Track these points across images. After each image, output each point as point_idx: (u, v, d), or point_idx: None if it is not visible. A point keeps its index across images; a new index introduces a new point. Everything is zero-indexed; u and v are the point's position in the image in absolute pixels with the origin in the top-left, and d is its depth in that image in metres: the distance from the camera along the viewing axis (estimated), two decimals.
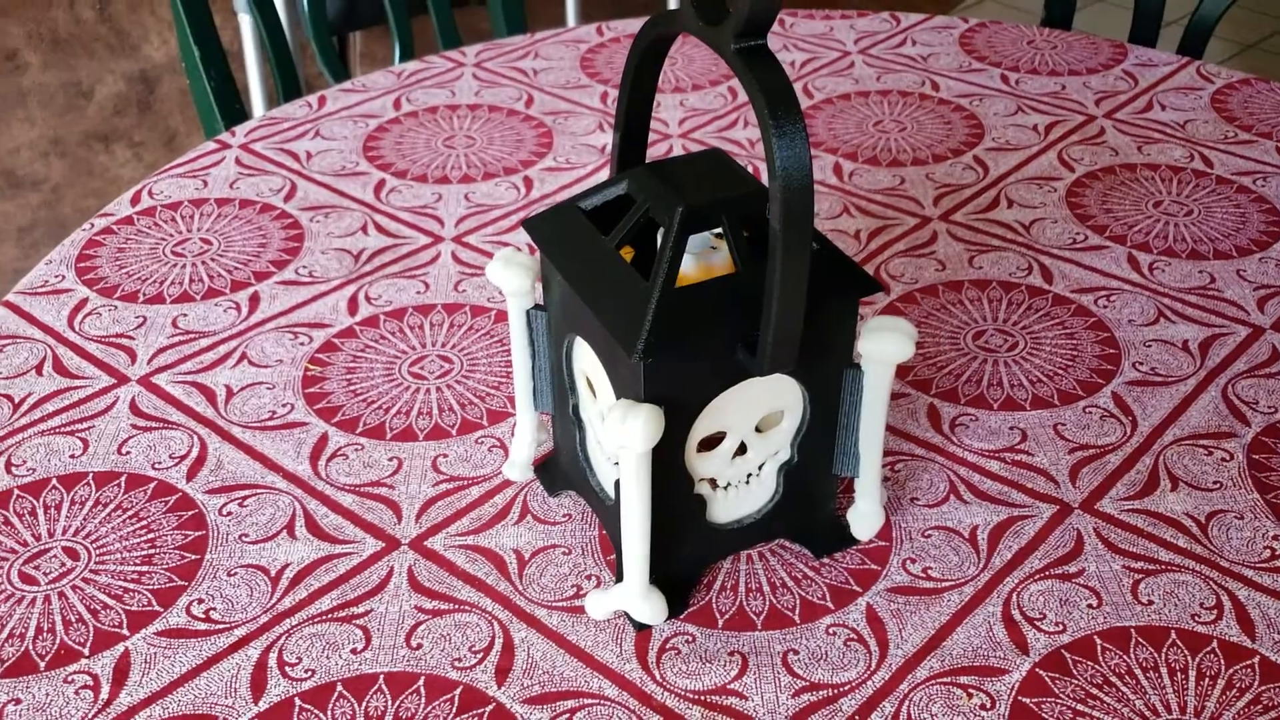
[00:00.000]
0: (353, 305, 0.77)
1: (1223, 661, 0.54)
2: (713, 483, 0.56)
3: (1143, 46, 1.11)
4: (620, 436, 0.48)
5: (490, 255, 0.82)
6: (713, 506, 0.56)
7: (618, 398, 0.52)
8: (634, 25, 1.15)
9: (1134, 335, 0.74)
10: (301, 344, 0.74)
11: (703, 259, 0.52)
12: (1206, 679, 0.53)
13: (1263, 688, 0.53)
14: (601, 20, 1.17)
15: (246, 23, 1.62)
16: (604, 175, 0.91)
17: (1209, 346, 0.73)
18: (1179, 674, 0.53)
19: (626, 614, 0.56)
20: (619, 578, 0.57)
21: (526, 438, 0.62)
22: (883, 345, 0.52)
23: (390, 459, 0.65)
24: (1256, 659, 0.54)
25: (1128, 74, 1.05)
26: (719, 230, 0.53)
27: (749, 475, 0.56)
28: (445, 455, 0.66)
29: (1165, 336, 0.74)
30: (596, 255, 0.52)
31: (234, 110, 1.11)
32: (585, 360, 0.56)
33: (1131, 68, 1.06)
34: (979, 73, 1.06)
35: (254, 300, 0.78)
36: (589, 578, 0.58)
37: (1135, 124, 0.97)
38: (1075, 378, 0.71)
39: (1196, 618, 0.56)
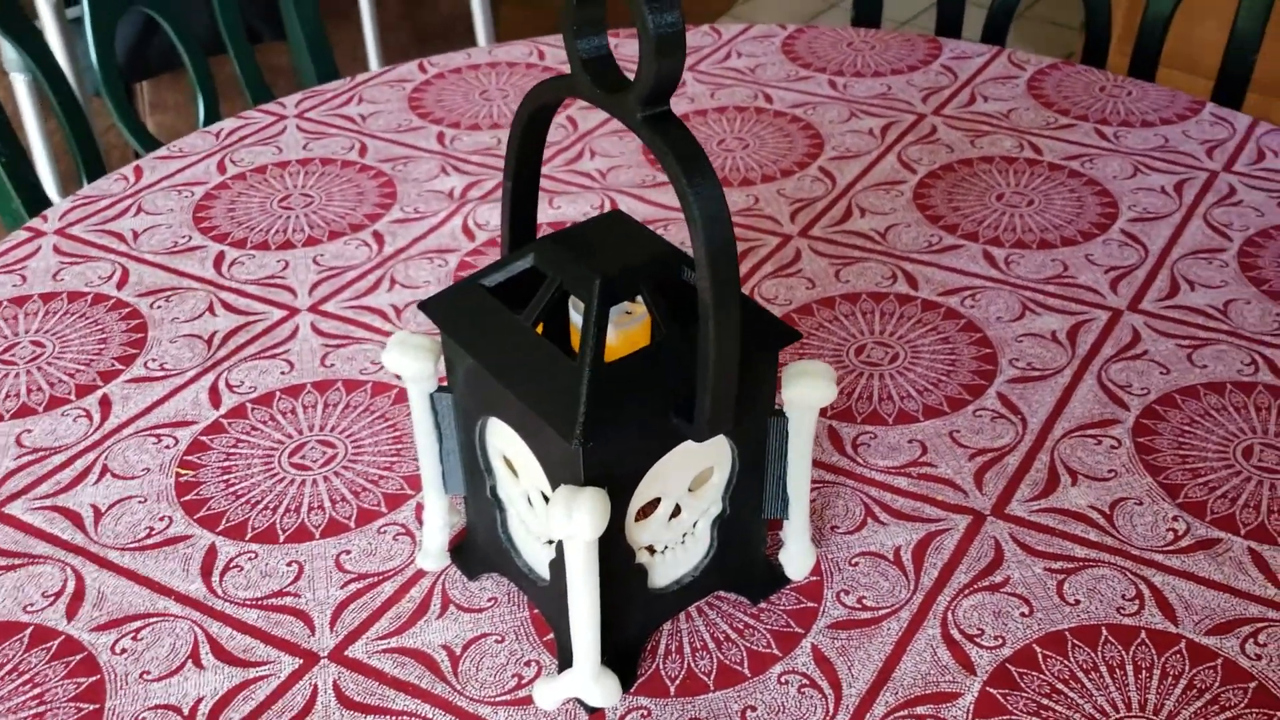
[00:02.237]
0: (214, 396, 0.72)
1: (1154, 651, 0.56)
2: (650, 549, 0.54)
3: (953, 39, 1.15)
4: (567, 527, 0.46)
5: (353, 323, 0.78)
6: (653, 572, 0.55)
7: (552, 481, 0.50)
8: (456, 59, 1.12)
9: (1004, 332, 0.76)
10: (167, 447, 0.68)
11: (620, 326, 0.51)
12: (1143, 671, 0.55)
13: (1194, 671, 0.55)
14: (400, 47, 1.13)
15: (21, 82, 1.50)
16: (458, 222, 0.87)
17: (1076, 334, 0.76)
18: (1117, 670, 0.55)
19: (577, 699, 0.54)
20: (562, 661, 0.55)
21: (438, 523, 0.59)
22: (806, 392, 0.52)
23: (289, 564, 0.61)
24: (1183, 643, 0.56)
25: (946, 68, 1.08)
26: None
27: (684, 535, 0.55)
28: (348, 551, 0.62)
29: (1033, 330, 0.76)
30: (509, 334, 0.50)
31: (29, 189, 1.02)
32: (502, 440, 0.54)
33: (949, 61, 1.09)
34: (807, 80, 1.07)
35: (105, 404, 0.71)
36: (528, 664, 0.56)
37: (963, 118, 1.01)
38: (959, 382, 0.72)
39: (1121, 610, 0.58)
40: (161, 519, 0.64)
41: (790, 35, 1.15)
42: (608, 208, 0.89)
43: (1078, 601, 0.59)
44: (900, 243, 0.85)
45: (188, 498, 0.65)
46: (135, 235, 0.87)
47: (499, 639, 0.57)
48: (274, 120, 1.02)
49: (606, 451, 0.47)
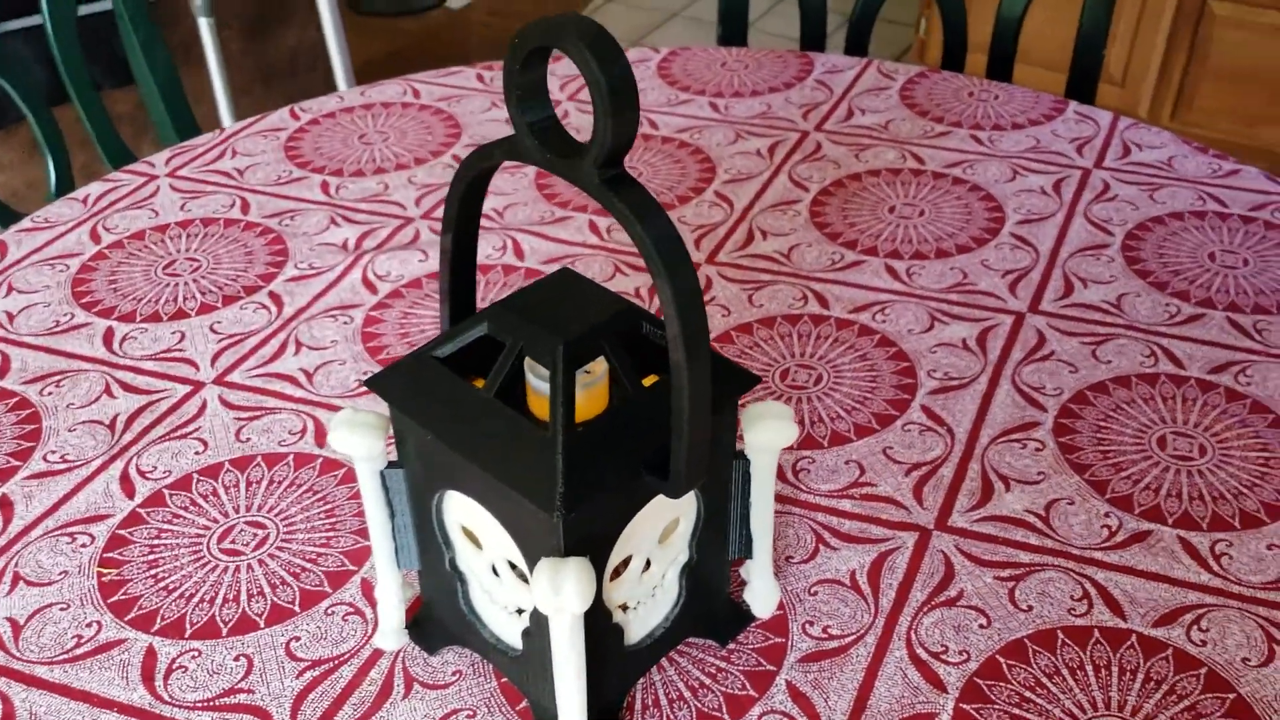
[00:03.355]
0: (126, 485, 0.68)
1: (1109, 649, 0.58)
2: (623, 606, 0.53)
3: (821, 53, 1.17)
4: (554, 601, 0.45)
5: (263, 391, 0.75)
6: (627, 630, 0.54)
7: (527, 552, 0.49)
8: (328, 104, 1.09)
9: (918, 344, 0.78)
10: (83, 546, 0.64)
11: (584, 387, 0.50)
12: (1102, 670, 0.57)
13: (1149, 664, 0.57)
14: (245, 85, 1.09)
15: None
16: (356, 275, 0.85)
17: (985, 341, 0.78)
18: (1078, 671, 0.57)
19: None
20: None
21: (393, 601, 0.57)
22: (768, 435, 0.52)
23: (237, 658, 0.58)
24: (1134, 638, 0.59)
25: (821, 83, 1.10)
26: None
27: (654, 588, 0.54)
28: (298, 638, 0.59)
29: (944, 339, 0.78)
30: (467, 405, 0.48)
31: None
32: (460, 512, 0.52)
33: (822, 76, 1.12)
34: (688, 103, 1.08)
35: (5, 505, 0.67)
36: None
37: (844, 133, 1.03)
38: (883, 398, 0.74)
39: (1073, 611, 0.60)
40: (89, 625, 0.60)
41: (664, 59, 1.15)
42: (510, 248, 0.88)
43: (1030, 607, 0.60)
44: (805, 263, 0.86)
45: (114, 598, 0.61)
46: (10, 317, 0.81)
47: (470, 713, 0.56)
48: (144, 181, 0.97)
49: (585, 520, 0.46)
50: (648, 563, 0.53)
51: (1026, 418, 0.72)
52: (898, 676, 0.57)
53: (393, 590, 0.57)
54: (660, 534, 0.53)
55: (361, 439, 0.51)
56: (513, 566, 0.52)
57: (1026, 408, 0.73)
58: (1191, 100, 2.33)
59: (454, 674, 0.58)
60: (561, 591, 0.45)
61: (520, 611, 0.53)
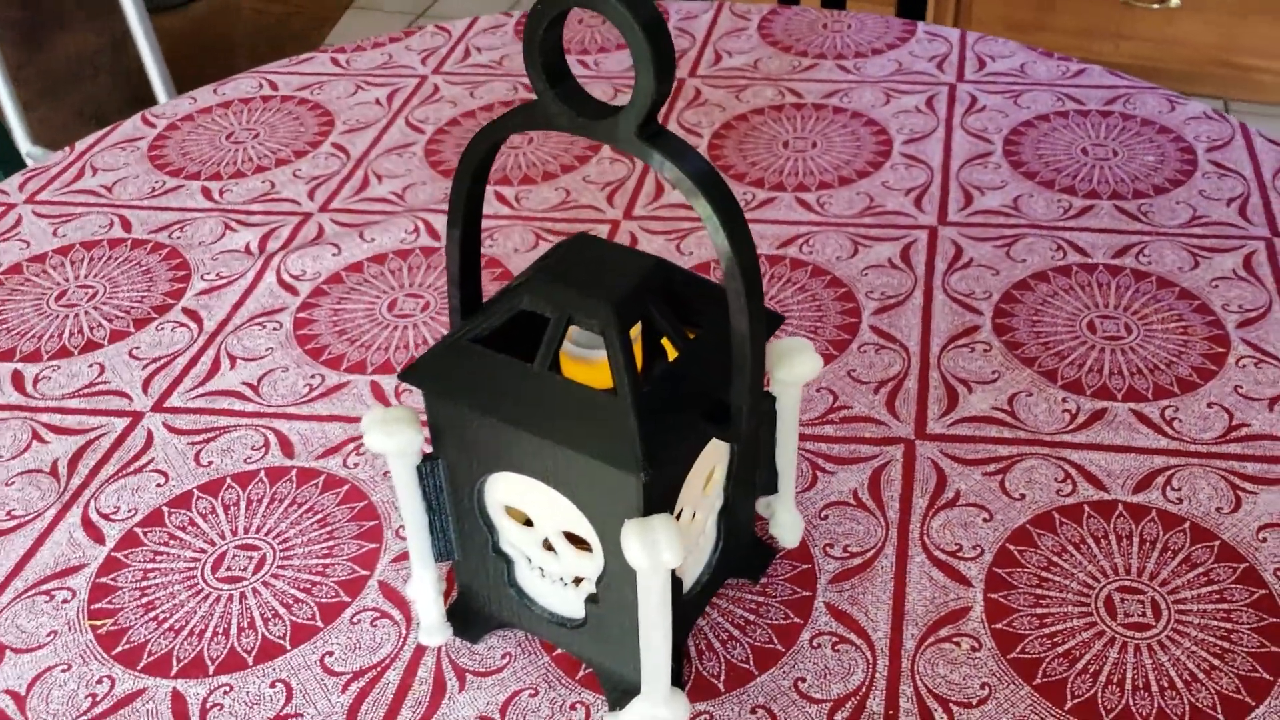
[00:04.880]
0: (92, 531, 0.64)
1: (1102, 520, 0.62)
2: None
3: (674, 1, 1.18)
4: (648, 559, 0.45)
5: (212, 411, 0.71)
6: (684, 582, 0.55)
7: (597, 520, 0.49)
8: (181, 106, 1.03)
9: (849, 269, 0.81)
10: (65, 602, 0.60)
11: (590, 353, 0.50)
12: (1103, 540, 0.61)
13: (1140, 527, 0.62)
14: (28, 99, 1.03)
15: None
16: (271, 278, 0.81)
17: (908, 257, 0.82)
18: (1083, 545, 0.61)
19: None
20: (610, 693, 0.54)
21: (432, 595, 0.56)
22: (795, 368, 0.53)
23: (273, 685, 0.56)
24: (1121, 507, 0.63)
25: (681, 30, 1.12)
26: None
27: (699, 537, 0.55)
28: (330, 652, 0.57)
29: (872, 261, 0.82)
30: (520, 382, 0.48)
31: None
32: (505, 493, 0.52)
33: (680, 24, 1.13)
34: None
35: None
36: (574, 707, 0.55)
37: (719, 76, 1.04)
38: (833, 325, 0.76)
39: (1060, 493, 0.64)
40: (99, 681, 0.56)
41: (520, 20, 1.14)
42: (423, 230, 0.86)
43: (1023, 495, 0.64)
44: None
45: (119, 649, 0.58)
46: None
47: (532, 692, 0.55)
48: (2, 211, 0.90)
49: (660, 477, 0.47)
50: (693, 513, 0.54)
51: (967, 323, 0.76)
52: (924, 580, 0.60)
53: (430, 585, 0.56)
54: (704, 484, 0.54)
55: (399, 435, 0.50)
56: (570, 537, 0.52)
57: (964, 313, 0.77)
58: (970, 12, 2.46)
59: (504, 657, 0.57)
60: (656, 549, 0.45)
61: (578, 581, 0.53)
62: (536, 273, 0.49)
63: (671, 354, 0.54)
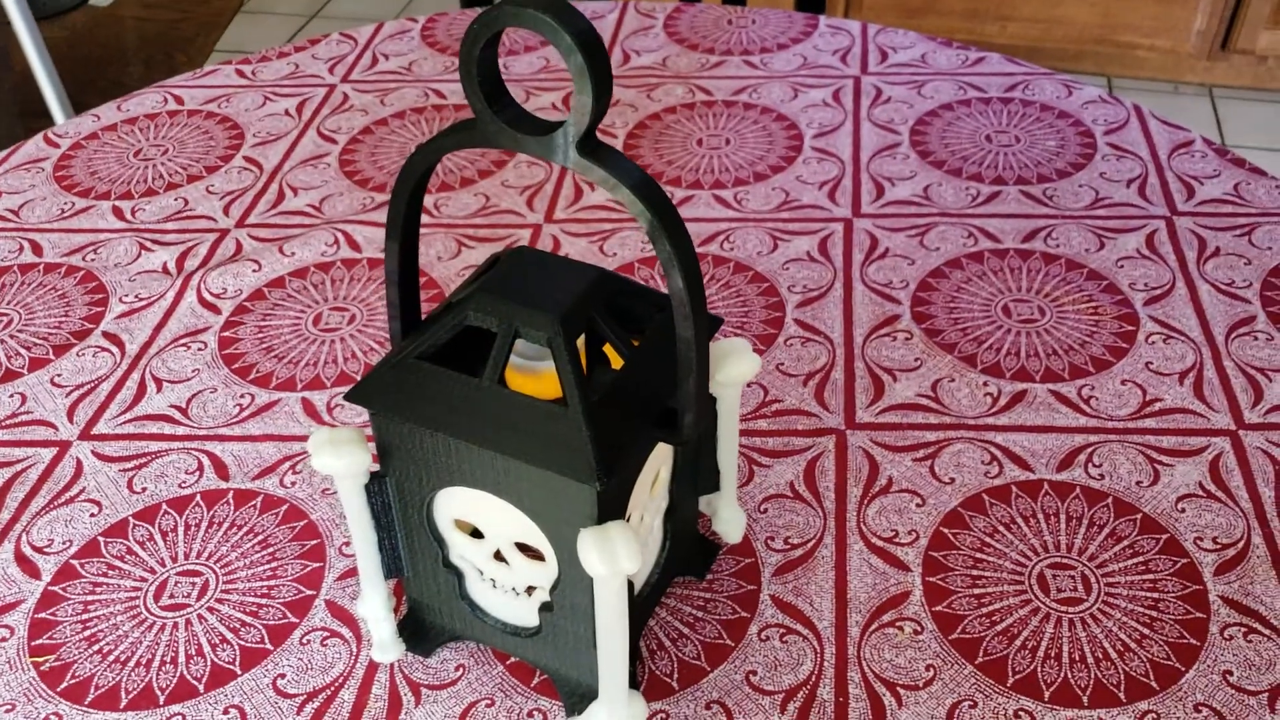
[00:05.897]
0: (26, 566, 0.62)
1: (1030, 500, 0.65)
2: None
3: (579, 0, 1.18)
4: (605, 567, 0.46)
5: (141, 436, 0.70)
6: (634, 583, 0.55)
7: (550, 529, 0.49)
8: (84, 125, 1.00)
9: (770, 264, 0.83)
10: (3, 641, 0.59)
11: (536, 364, 0.50)
12: (1031, 520, 0.64)
13: (1065, 504, 0.65)
14: None
15: None
16: (191, 298, 0.80)
17: (826, 249, 0.84)
18: (1013, 525, 0.64)
19: None
20: (566, 698, 0.55)
21: (383, 613, 0.56)
22: (735, 369, 0.54)
23: (226, 711, 0.56)
24: (1046, 485, 0.66)
25: None
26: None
27: (646, 539, 0.56)
28: (283, 674, 0.57)
29: (791, 255, 0.83)
30: (468, 397, 0.48)
31: None
32: (453, 509, 0.52)
33: None
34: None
35: None
36: (531, 715, 0.55)
37: (630, 75, 1.05)
38: (759, 319, 0.78)
39: (988, 475, 0.67)
40: (48, 719, 0.55)
41: (425, 25, 1.13)
42: (343, 242, 0.85)
43: (952, 479, 0.66)
44: None
45: (63, 685, 0.57)
46: None
47: (489, 702, 0.56)
48: None
49: (614, 485, 0.47)
50: (641, 516, 0.55)
51: (887, 312, 0.78)
52: (864, 567, 0.62)
53: (381, 603, 0.56)
54: (650, 487, 0.55)
55: (348, 456, 0.50)
56: (521, 547, 0.52)
57: (883, 303, 0.79)
58: None
59: (457, 669, 0.57)
60: (614, 556, 0.46)
61: (531, 590, 0.53)
62: (479, 287, 0.49)
63: (615, 361, 0.55)
